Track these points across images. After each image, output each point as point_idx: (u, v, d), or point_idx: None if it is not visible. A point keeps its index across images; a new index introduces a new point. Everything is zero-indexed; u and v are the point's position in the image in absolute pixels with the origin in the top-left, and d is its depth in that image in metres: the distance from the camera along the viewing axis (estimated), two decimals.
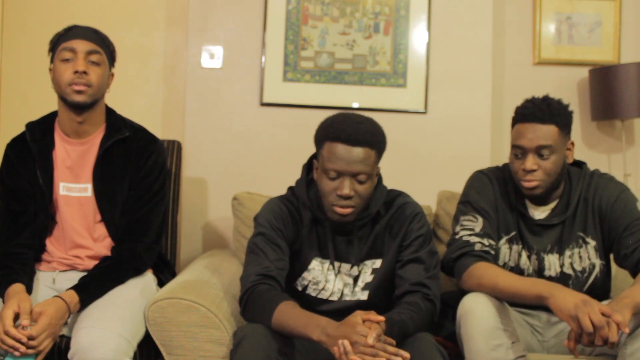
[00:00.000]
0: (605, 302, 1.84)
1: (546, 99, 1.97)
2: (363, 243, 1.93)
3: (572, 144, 2.02)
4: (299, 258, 1.94)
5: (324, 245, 1.93)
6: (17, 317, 1.74)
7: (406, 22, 2.83)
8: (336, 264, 1.93)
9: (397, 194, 1.99)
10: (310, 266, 1.93)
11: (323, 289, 1.93)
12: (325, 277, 1.93)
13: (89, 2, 2.87)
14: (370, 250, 1.93)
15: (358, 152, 1.79)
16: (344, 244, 1.93)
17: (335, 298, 1.93)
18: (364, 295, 1.93)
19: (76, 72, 1.93)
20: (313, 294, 1.94)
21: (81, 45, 1.95)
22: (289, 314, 1.72)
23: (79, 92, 1.94)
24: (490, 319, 1.77)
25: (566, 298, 1.68)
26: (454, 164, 2.79)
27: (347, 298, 1.93)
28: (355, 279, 1.93)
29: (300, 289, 1.95)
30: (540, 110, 1.93)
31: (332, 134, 1.81)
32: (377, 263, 1.93)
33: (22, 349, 1.68)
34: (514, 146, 1.98)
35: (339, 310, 1.88)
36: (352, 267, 1.93)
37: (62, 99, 1.97)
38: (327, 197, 1.83)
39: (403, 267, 1.90)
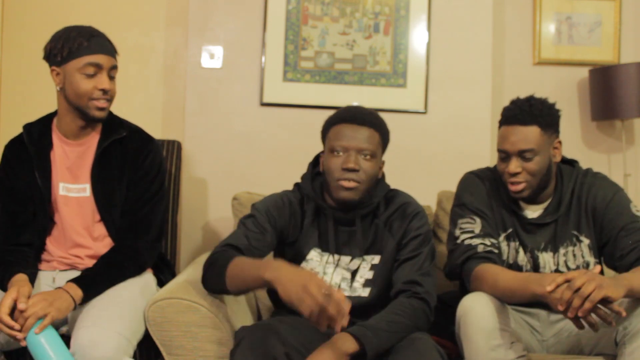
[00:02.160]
0: None
1: (529, 99, 1.98)
2: (364, 236, 1.94)
3: (559, 142, 2.01)
4: (297, 248, 1.96)
5: (325, 237, 1.94)
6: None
7: (406, 22, 2.83)
8: (335, 256, 1.94)
9: (399, 193, 2.01)
10: (309, 256, 1.95)
11: None
12: (324, 269, 1.93)
13: (89, 2, 2.88)
14: (370, 245, 1.94)
15: (363, 130, 1.88)
16: (346, 235, 1.94)
17: None
18: (365, 292, 1.93)
19: (101, 89, 1.93)
20: None
21: (107, 62, 1.95)
22: (242, 264, 1.73)
23: (101, 109, 1.95)
24: (490, 319, 1.76)
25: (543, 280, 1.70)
26: (454, 164, 2.79)
27: (346, 294, 1.93)
28: (354, 274, 1.93)
29: None
30: (521, 112, 1.94)
31: (338, 117, 1.93)
32: (376, 259, 1.94)
33: (19, 335, 1.69)
34: (499, 150, 2.01)
35: None
36: (351, 260, 1.94)
37: (77, 109, 1.96)
38: (334, 174, 1.87)
39: (399, 266, 1.91)
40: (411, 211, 1.95)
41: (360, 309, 1.89)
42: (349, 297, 1.92)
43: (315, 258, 1.94)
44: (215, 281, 1.80)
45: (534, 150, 1.94)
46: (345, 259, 1.94)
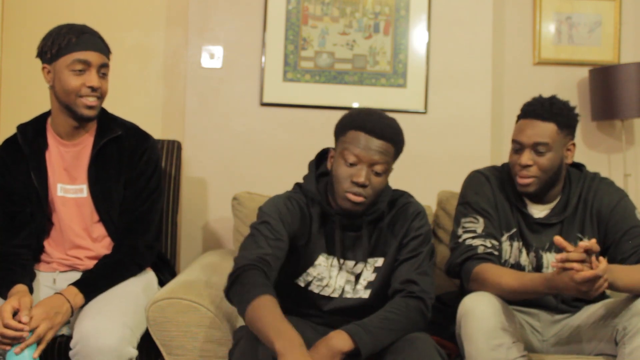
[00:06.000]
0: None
1: (552, 98, 2.01)
2: (368, 240, 1.93)
3: (573, 145, 2.03)
4: (305, 253, 1.92)
5: (332, 241, 1.92)
6: (15, 313, 1.73)
7: (406, 22, 2.83)
8: (340, 260, 1.93)
9: (400, 194, 2.00)
10: (317, 262, 1.92)
11: (327, 285, 1.92)
12: (329, 272, 1.92)
13: (89, 2, 2.88)
14: (374, 249, 1.93)
15: (380, 143, 1.82)
16: (352, 240, 1.92)
17: (336, 295, 1.92)
18: (365, 294, 1.92)
19: (90, 87, 1.91)
20: (316, 290, 1.92)
21: (96, 59, 1.93)
22: (260, 314, 1.63)
23: (90, 107, 1.94)
24: (491, 319, 1.77)
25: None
26: (454, 164, 2.79)
27: (349, 296, 1.92)
28: (358, 277, 1.93)
29: (303, 285, 1.93)
30: (542, 108, 1.97)
31: (357, 122, 1.85)
32: (380, 262, 1.93)
33: (25, 335, 1.68)
34: (513, 140, 2.02)
35: (340, 310, 1.89)
36: (356, 264, 1.93)
37: (67, 107, 1.95)
38: (342, 184, 1.83)
39: (398, 266, 1.90)
40: (413, 211, 1.94)
41: (360, 309, 1.89)
42: (351, 299, 1.92)
43: (323, 263, 1.92)
44: (237, 301, 1.71)
45: (548, 145, 1.96)
46: (350, 263, 1.93)
